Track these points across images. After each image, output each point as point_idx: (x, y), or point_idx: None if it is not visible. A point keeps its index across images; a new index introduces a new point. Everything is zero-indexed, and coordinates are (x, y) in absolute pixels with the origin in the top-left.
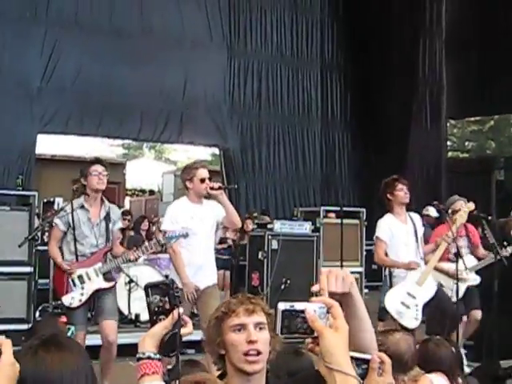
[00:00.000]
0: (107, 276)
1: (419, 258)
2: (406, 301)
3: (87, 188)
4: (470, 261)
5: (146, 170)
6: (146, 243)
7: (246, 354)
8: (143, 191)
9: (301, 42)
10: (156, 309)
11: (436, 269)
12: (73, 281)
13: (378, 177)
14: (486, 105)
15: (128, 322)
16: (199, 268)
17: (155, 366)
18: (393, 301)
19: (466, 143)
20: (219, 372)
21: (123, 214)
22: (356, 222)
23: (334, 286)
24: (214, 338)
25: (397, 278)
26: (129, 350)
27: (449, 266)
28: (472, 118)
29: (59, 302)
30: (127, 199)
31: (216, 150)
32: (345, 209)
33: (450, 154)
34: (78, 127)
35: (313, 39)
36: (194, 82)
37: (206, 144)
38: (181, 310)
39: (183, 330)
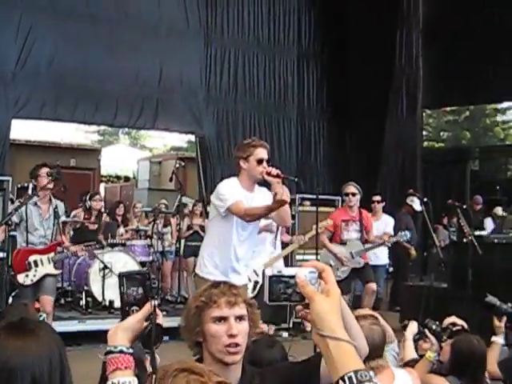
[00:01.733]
0: (57, 264)
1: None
2: (251, 275)
3: (37, 188)
4: (356, 245)
5: (122, 157)
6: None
7: (227, 346)
8: (118, 177)
9: (278, 30)
10: (129, 299)
11: (328, 250)
12: (29, 263)
13: (354, 165)
14: (462, 95)
15: (102, 308)
16: (234, 264)
17: (127, 361)
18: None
19: (442, 133)
20: (195, 357)
21: (92, 195)
22: (331, 210)
23: None
24: (193, 327)
25: None
26: (102, 337)
27: (339, 249)
28: (448, 108)
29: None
30: (102, 185)
31: (192, 137)
32: (320, 197)
33: (425, 143)
34: (52, 112)
35: (290, 26)
36: (170, 69)
37: (182, 131)
38: (155, 301)
39: (160, 322)
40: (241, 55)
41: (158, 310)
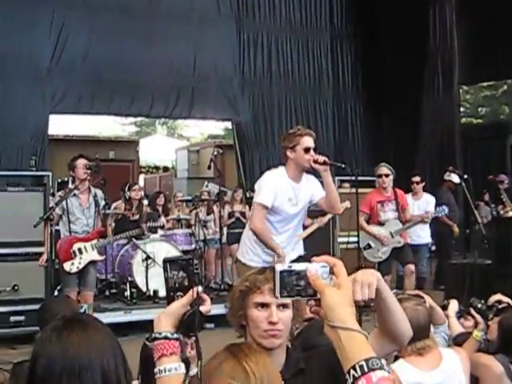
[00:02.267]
0: (100, 250)
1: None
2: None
3: (75, 178)
4: (395, 225)
5: (159, 147)
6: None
7: (266, 330)
8: (157, 168)
9: (309, 13)
10: (174, 285)
11: (366, 231)
12: (74, 252)
13: (392, 145)
14: (499, 69)
15: (146, 298)
16: (274, 256)
17: (173, 347)
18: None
19: (479, 109)
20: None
21: (131, 185)
22: (371, 190)
23: (360, 295)
24: (237, 310)
25: None
26: (148, 327)
27: (377, 229)
28: (485, 84)
29: None
30: (141, 176)
31: (228, 125)
32: (359, 178)
33: (463, 120)
34: (88, 106)
35: (321, 9)
36: (204, 57)
37: (218, 118)
38: (200, 288)
39: (202, 308)
40: (274, 39)
41: (205, 296)
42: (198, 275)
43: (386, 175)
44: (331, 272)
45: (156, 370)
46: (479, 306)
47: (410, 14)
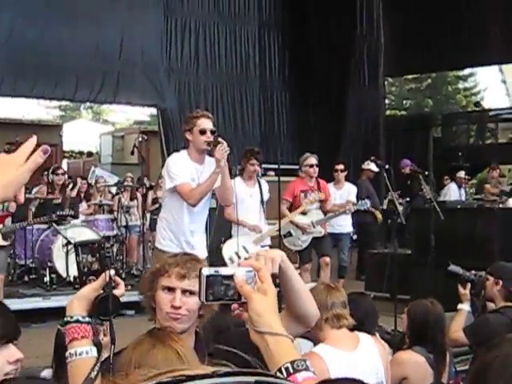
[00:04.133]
0: (5, 236)
1: (262, 221)
2: (240, 252)
3: None
4: (316, 215)
5: (84, 132)
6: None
7: (168, 313)
8: (81, 153)
9: (238, 0)
10: (85, 269)
11: (288, 220)
12: None
13: (317, 135)
14: (424, 63)
15: (66, 284)
16: (189, 237)
17: (84, 330)
18: (229, 248)
19: (404, 101)
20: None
21: (55, 169)
22: (294, 179)
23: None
24: (146, 291)
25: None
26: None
27: (298, 218)
28: (410, 76)
29: None
30: (65, 161)
31: (154, 111)
32: (282, 167)
33: (388, 111)
34: (11, 89)
35: None
36: (131, 42)
37: (144, 104)
38: (112, 271)
39: (115, 292)
40: (201, 26)
41: (118, 279)
42: (109, 258)
43: (317, 165)
44: (255, 276)
45: (67, 353)
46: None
47: (337, 4)
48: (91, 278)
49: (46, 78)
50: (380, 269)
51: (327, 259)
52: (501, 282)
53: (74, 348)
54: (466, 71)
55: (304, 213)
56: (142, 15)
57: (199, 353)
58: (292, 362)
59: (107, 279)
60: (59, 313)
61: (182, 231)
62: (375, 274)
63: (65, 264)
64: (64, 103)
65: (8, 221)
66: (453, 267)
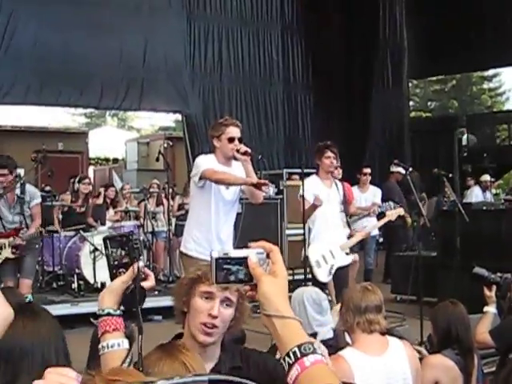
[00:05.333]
0: (14, 249)
1: (343, 223)
2: (327, 256)
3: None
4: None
5: (109, 139)
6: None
7: (204, 324)
8: (107, 160)
9: (260, 4)
10: (115, 262)
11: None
12: None
13: (341, 138)
14: (448, 64)
15: (94, 290)
16: (217, 239)
17: (115, 323)
18: (316, 251)
19: (429, 103)
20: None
21: (82, 178)
22: None
23: None
24: (182, 295)
25: (315, 233)
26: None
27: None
28: (434, 78)
29: None
30: (91, 168)
31: (179, 117)
32: (306, 170)
33: (412, 113)
34: (37, 97)
35: (272, 1)
36: (154, 49)
37: (168, 110)
38: (140, 263)
39: (144, 284)
40: (224, 31)
41: (148, 271)
42: (137, 250)
43: (340, 167)
44: (267, 257)
45: (99, 346)
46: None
47: (360, 8)
48: (121, 270)
49: (72, 86)
50: (406, 271)
51: (355, 256)
52: None
53: (106, 341)
54: (491, 72)
55: None
56: (165, 21)
57: (226, 363)
58: (299, 346)
59: (136, 271)
60: (88, 319)
61: (208, 233)
62: (401, 277)
63: (92, 270)
64: (89, 111)
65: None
66: (478, 269)
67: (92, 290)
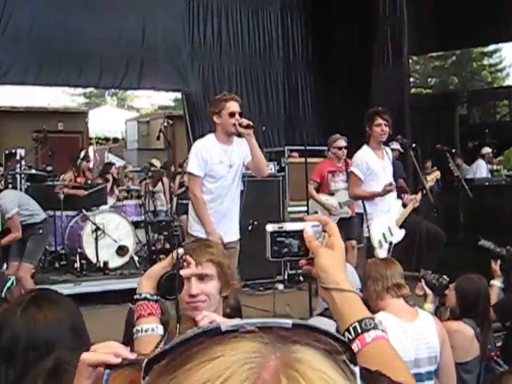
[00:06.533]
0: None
1: (395, 194)
2: (386, 234)
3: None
4: (343, 196)
5: (109, 118)
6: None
7: (189, 303)
8: (107, 139)
9: None
10: (157, 248)
11: (315, 200)
12: None
13: (342, 115)
14: (448, 40)
15: (96, 270)
16: (223, 218)
17: (151, 308)
18: (378, 230)
19: (429, 79)
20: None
21: (85, 157)
22: (321, 160)
23: None
24: None
25: (374, 209)
26: (99, 298)
27: (325, 199)
28: (434, 54)
29: None
30: (91, 148)
31: (178, 95)
32: (308, 148)
33: (413, 90)
34: (36, 77)
35: None
36: (153, 27)
37: (168, 89)
38: (180, 250)
39: (184, 272)
40: (223, 9)
41: (189, 258)
42: (177, 237)
43: (346, 147)
44: (323, 230)
45: (134, 330)
46: (430, 279)
47: None
48: (162, 256)
49: (70, 66)
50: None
51: (353, 242)
52: None
53: (140, 325)
54: (491, 47)
55: (331, 193)
56: (164, 0)
57: None
58: (360, 321)
59: (175, 258)
60: (90, 298)
61: (212, 213)
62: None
63: (94, 250)
64: (89, 90)
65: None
66: (483, 242)
67: (94, 270)
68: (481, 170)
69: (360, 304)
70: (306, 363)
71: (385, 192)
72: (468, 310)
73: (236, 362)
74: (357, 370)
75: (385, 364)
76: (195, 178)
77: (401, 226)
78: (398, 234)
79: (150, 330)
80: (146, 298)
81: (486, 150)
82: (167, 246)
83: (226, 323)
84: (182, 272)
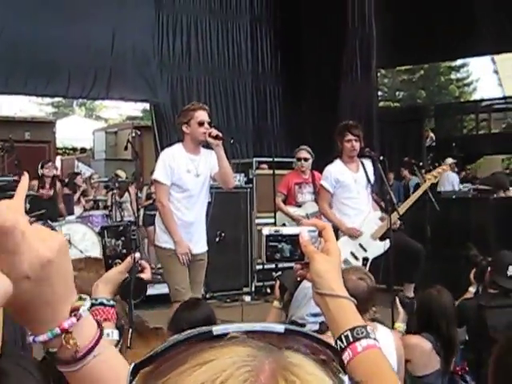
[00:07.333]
0: None
1: (370, 207)
2: (357, 253)
3: None
4: (311, 207)
5: (77, 128)
6: None
7: None
8: (74, 149)
9: None
10: (111, 252)
11: (283, 212)
12: None
13: (310, 128)
14: (416, 54)
15: None
16: (190, 229)
17: (107, 313)
18: (343, 250)
19: (397, 93)
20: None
21: (44, 163)
22: (289, 172)
23: None
24: None
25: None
26: None
27: (293, 210)
28: (402, 68)
29: None
30: (58, 158)
31: (147, 106)
32: (276, 159)
33: (381, 103)
34: (2, 86)
35: None
36: (122, 38)
37: (136, 99)
38: (137, 254)
39: (142, 275)
40: (193, 21)
41: (145, 263)
42: (135, 241)
43: (305, 159)
44: (319, 235)
45: None
46: (403, 297)
47: None
48: (117, 261)
49: (38, 75)
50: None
51: None
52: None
53: None
54: (459, 62)
55: (299, 205)
56: (134, 11)
57: None
58: (352, 330)
59: (132, 262)
60: None
61: (180, 224)
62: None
63: None
64: (57, 100)
65: None
66: (469, 245)
67: None
68: (450, 179)
69: (354, 311)
70: (301, 367)
71: (348, 234)
72: (423, 325)
73: (232, 365)
74: (346, 379)
75: (375, 374)
76: (161, 186)
77: (382, 238)
78: (377, 248)
79: (106, 335)
80: (102, 303)
81: (449, 160)
82: (124, 250)
83: (217, 328)
84: (142, 276)
